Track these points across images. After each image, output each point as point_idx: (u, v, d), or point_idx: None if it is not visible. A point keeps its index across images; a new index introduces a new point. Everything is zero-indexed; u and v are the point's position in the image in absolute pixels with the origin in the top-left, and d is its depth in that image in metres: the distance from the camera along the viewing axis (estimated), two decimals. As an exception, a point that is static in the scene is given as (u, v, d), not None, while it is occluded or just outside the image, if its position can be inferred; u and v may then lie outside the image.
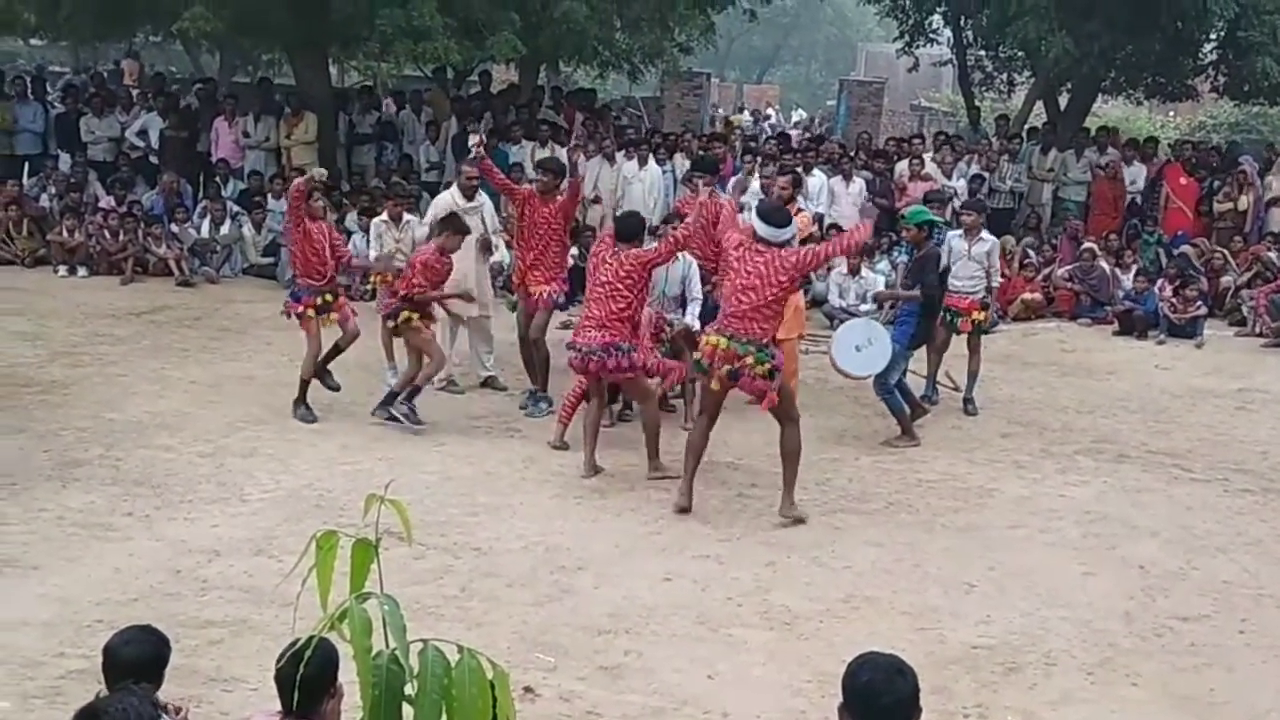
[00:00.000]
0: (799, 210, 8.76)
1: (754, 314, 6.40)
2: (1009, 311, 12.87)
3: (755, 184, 11.13)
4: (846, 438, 8.39)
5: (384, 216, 9.69)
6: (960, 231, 9.21)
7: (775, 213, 6.68)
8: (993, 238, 9.32)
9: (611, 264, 7.29)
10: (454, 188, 9.16)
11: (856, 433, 8.52)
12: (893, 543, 6.45)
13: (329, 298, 8.31)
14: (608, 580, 5.81)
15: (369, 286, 9.31)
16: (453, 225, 8.10)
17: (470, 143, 9.27)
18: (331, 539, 2.04)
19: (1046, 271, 13.47)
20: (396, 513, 2.07)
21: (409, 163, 15.17)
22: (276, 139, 14.86)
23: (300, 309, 8.25)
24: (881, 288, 11.41)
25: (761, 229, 6.50)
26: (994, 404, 9.43)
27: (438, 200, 9.25)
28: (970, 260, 8.96)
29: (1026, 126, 17.17)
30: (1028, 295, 12.99)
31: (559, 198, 8.49)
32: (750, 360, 6.38)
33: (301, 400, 8.27)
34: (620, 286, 7.22)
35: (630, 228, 7.47)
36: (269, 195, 13.75)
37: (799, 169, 12.30)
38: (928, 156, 14.39)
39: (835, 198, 13.33)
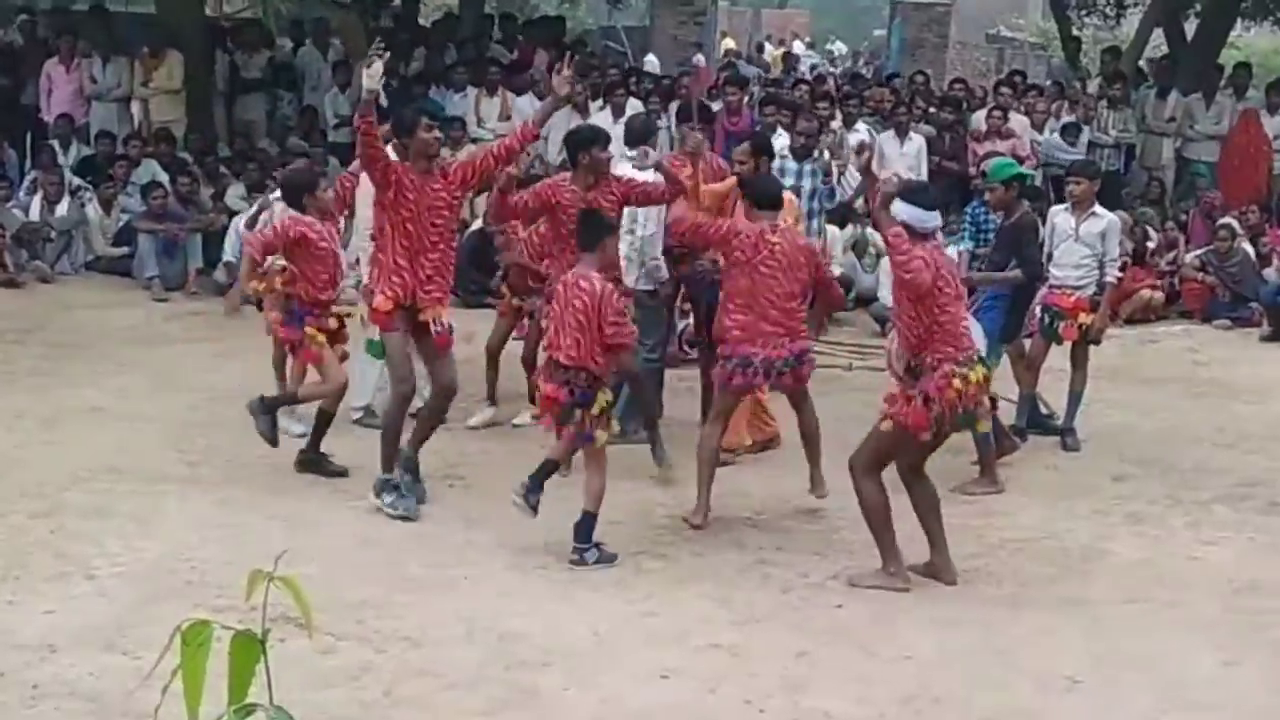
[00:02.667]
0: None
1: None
2: (1121, 311, 12.92)
3: (784, 140, 11.18)
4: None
5: (277, 193, 9.65)
6: (1066, 205, 9.25)
7: (922, 193, 6.91)
8: (1110, 214, 9.34)
9: (775, 242, 7.46)
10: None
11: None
12: (968, 623, 6.45)
13: (335, 320, 8.17)
14: (583, 679, 5.79)
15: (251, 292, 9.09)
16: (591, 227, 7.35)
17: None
18: (202, 631, 2.03)
19: (1171, 257, 13.54)
20: (291, 593, 2.06)
21: (312, 117, 15.18)
22: (130, 86, 14.87)
23: (300, 337, 8.02)
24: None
25: (919, 215, 6.69)
26: (1102, 436, 9.45)
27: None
28: (1079, 243, 8.98)
29: (1140, 62, 17.28)
30: (1147, 291, 13.04)
31: (449, 169, 7.65)
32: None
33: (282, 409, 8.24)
34: (787, 277, 7.47)
35: (768, 192, 7.78)
36: (124, 163, 13.75)
37: (823, 124, 12.27)
38: (1011, 105, 14.49)
39: (886, 160, 13.39)
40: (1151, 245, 13.57)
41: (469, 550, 7.15)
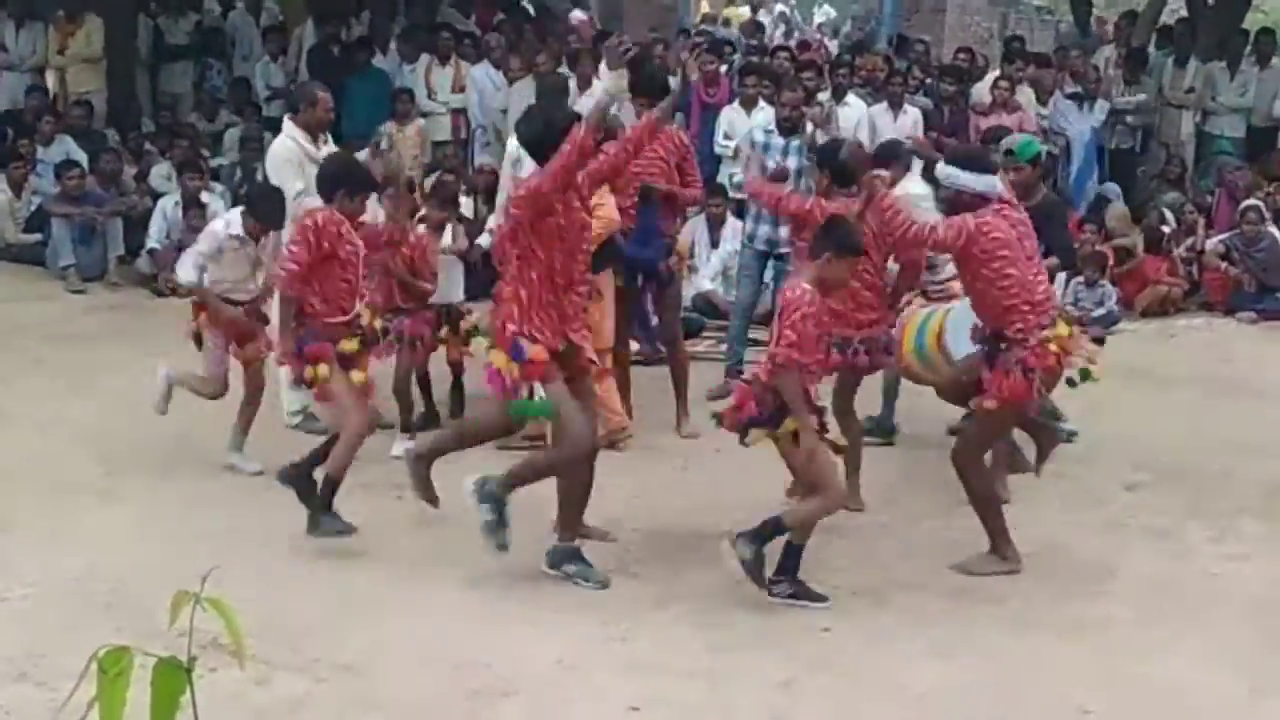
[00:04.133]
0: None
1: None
2: (1137, 304, 12.97)
3: (766, 113, 11.17)
4: (898, 491, 8.42)
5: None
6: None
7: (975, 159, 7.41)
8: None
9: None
10: (291, 127, 8.85)
11: (914, 482, 8.54)
12: (967, 650, 6.46)
13: (352, 345, 7.50)
14: (547, 712, 5.79)
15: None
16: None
17: None
18: (121, 659, 2.03)
19: (1190, 243, 13.57)
20: (220, 617, 2.05)
21: (243, 88, 15.13)
22: (45, 54, 14.78)
23: (309, 366, 7.36)
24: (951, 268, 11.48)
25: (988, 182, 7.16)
26: (1116, 441, 9.47)
27: (275, 153, 8.98)
28: None
29: (1157, 26, 17.34)
30: (1165, 282, 13.07)
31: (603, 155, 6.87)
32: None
33: (326, 506, 7.37)
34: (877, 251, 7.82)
35: (846, 167, 8.11)
36: (26, 141, 13.66)
37: (810, 95, 12.28)
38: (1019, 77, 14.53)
39: (878, 134, 13.41)
40: (1167, 230, 13.59)
41: (419, 567, 7.13)
